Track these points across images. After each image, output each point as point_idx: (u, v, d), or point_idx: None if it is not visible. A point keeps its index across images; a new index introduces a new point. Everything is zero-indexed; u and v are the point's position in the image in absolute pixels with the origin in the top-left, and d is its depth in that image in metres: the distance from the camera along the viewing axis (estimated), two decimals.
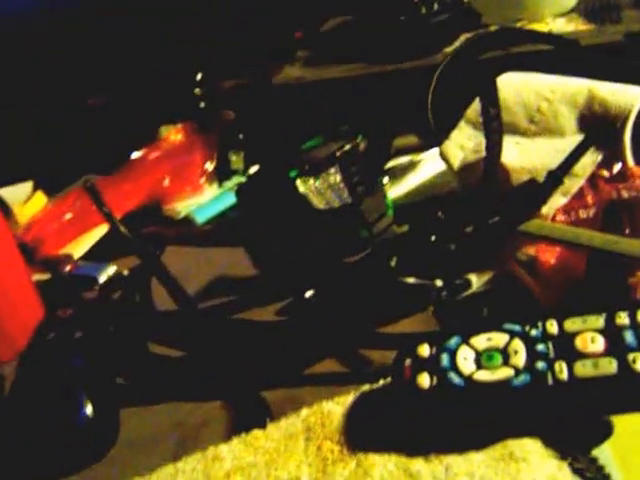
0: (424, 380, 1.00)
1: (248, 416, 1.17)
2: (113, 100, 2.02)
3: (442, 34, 1.65)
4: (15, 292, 1.47)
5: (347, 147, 1.33)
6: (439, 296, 1.23)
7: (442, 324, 1.21)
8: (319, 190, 1.42)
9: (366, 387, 1.13)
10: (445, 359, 1.01)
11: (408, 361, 1.03)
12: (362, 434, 1.06)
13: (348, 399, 1.11)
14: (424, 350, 1.03)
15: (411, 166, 1.52)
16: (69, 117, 2.04)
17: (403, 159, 1.56)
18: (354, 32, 1.84)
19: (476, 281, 1.24)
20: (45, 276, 1.60)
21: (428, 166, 1.51)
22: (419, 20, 1.64)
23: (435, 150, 1.40)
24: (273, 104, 1.75)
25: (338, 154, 1.27)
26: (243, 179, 1.69)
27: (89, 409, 1.19)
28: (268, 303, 1.36)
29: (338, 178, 1.44)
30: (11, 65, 2.04)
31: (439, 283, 1.24)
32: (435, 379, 1.00)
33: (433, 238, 1.26)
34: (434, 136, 1.40)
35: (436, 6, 1.62)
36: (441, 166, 1.44)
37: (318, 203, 1.39)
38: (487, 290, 1.22)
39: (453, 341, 1.03)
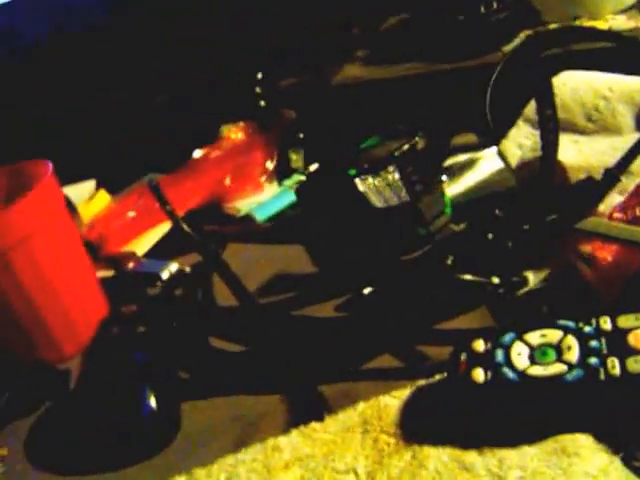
0: (479, 375, 1.01)
1: (306, 409, 1.18)
2: (175, 99, 2.05)
3: (501, 32, 1.64)
4: (81, 289, 1.51)
5: (405, 146, 1.33)
6: (496, 293, 1.22)
7: (498, 320, 1.20)
8: (378, 189, 1.43)
9: (422, 382, 1.13)
10: (499, 354, 1.02)
11: (463, 356, 1.05)
12: (418, 427, 1.08)
13: (404, 393, 1.13)
14: (479, 345, 1.04)
15: (469, 164, 1.51)
16: (131, 116, 2.07)
17: (461, 157, 1.56)
18: (412, 31, 1.85)
19: (533, 279, 1.25)
20: (109, 273, 1.63)
21: (486, 164, 1.51)
22: (478, 19, 1.63)
23: (493, 149, 1.40)
24: (332, 103, 1.76)
25: (397, 153, 1.28)
26: (302, 178, 1.70)
27: (153, 402, 1.21)
28: (327, 299, 1.37)
29: (396, 176, 1.44)
30: (73, 65, 2.08)
31: (496, 280, 1.24)
32: (489, 374, 1.01)
33: (490, 236, 1.26)
34: (492, 135, 1.40)
35: (495, 4, 1.62)
36: (499, 165, 1.44)
37: (376, 201, 1.39)
38: (543, 287, 1.21)
39: (507, 337, 1.04)
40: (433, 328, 1.25)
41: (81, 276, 1.52)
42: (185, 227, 1.42)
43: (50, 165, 1.43)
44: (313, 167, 1.72)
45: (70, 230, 1.51)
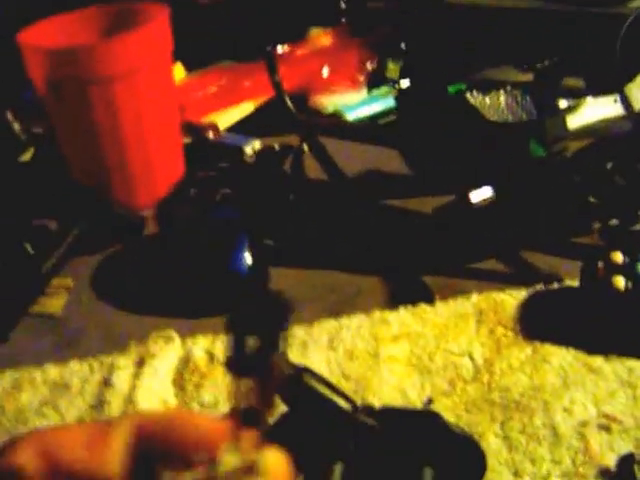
0: (620, 282, 0.98)
1: (411, 292, 1.13)
2: None
3: None
4: (167, 143, 1.50)
5: (545, 64, 1.31)
6: (608, 223, 1.21)
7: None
8: (491, 105, 1.40)
9: (540, 286, 1.10)
10: None
11: (601, 264, 1.01)
12: (537, 325, 1.06)
13: (521, 294, 1.10)
14: (618, 257, 1.03)
15: (576, 107, 1.50)
16: (219, 5, 2.02)
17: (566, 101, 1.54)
18: None
19: None
20: (187, 140, 1.58)
21: (595, 110, 1.49)
22: None
23: (603, 98, 1.42)
24: (442, 21, 1.73)
25: (539, 66, 1.26)
26: (394, 89, 1.67)
27: (249, 257, 1.17)
28: (424, 199, 1.33)
29: (508, 99, 1.42)
30: None
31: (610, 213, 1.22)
32: (631, 284, 0.98)
33: (609, 166, 1.24)
34: (618, 79, 1.39)
35: None
36: (611, 111, 1.43)
37: (491, 116, 1.37)
38: None
39: None
40: (544, 240, 1.20)
41: (170, 130, 1.51)
42: (288, 102, 1.37)
43: (167, 9, 1.38)
44: (404, 83, 1.68)
45: (171, 81, 1.50)
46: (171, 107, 1.45)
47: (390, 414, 0.81)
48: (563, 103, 1.49)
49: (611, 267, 1.01)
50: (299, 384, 0.77)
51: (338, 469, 0.76)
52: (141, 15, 1.40)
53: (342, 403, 0.77)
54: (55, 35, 1.39)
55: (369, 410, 0.80)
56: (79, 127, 1.38)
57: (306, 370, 0.78)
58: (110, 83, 1.31)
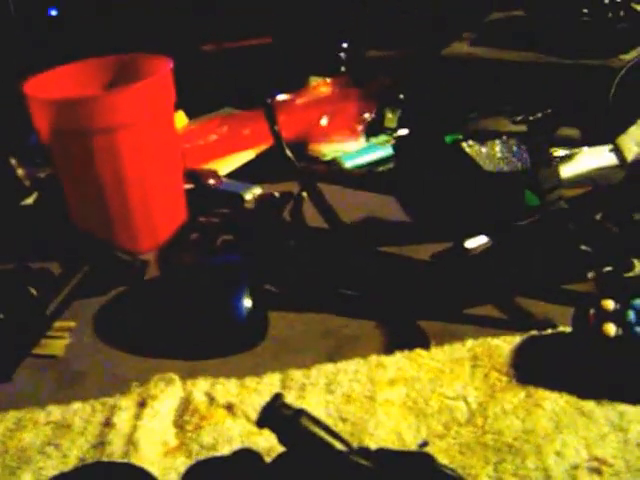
0: (610, 329, 1.01)
1: (407, 337, 1.16)
2: (265, 43, 2.05)
3: (622, 40, 1.66)
4: (169, 189, 1.53)
5: (538, 116, 1.35)
6: (603, 270, 1.23)
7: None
8: (487, 155, 1.44)
9: (534, 332, 1.12)
10: (631, 315, 1.04)
11: (592, 311, 1.04)
12: (531, 370, 1.08)
13: (515, 339, 1.12)
14: (609, 304, 1.05)
15: (575, 155, 1.54)
16: (221, 54, 2.06)
17: (562, 150, 1.58)
18: (527, 23, 1.86)
19: (639, 265, 1.26)
20: (188, 186, 1.61)
21: (590, 159, 1.53)
22: (603, 23, 1.65)
23: (598, 147, 1.48)
24: (440, 73, 1.77)
25: (532, 118, 1.30)
26: (392, 137, 1.71)
27: (249, 302, 1.19)
28: (421, 246, 1.36)
29: (503, 149, 1.46)
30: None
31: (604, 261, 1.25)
32: (621, 330, 1.01)
33: (599, 217, 1.27)
34: (610, 131, 1.43)
35: (622, 13, 1.63)
36: (605, 161, 1.47)
37: (487, 166, 1.40)
38: None
39: (639, 301, 1.04)
40: (539, 287, 1.23)
41: (172, 178, 1.54)
42: (287, 151, 1.40)
43: (171, 62, 1.42)
44: (402, 131, 1.71)
45: (173, 131, 1.54)
46: (173, 155, 1.48)
47: (385, 456, 0.83)
48: (559, 152, 1.52)
49: (602, 314, 1.04)
50: (297, 426, 0.79)
51: None
52: (145, 66, 1.44)
53: (338, 445, 0.79)
54: (59, 85, 1.43)
55: (364, 452, 0.82)
56: (82, 176, 1.42)
57: (303, 412, 0.80)
58: (113, 133, 1.35)
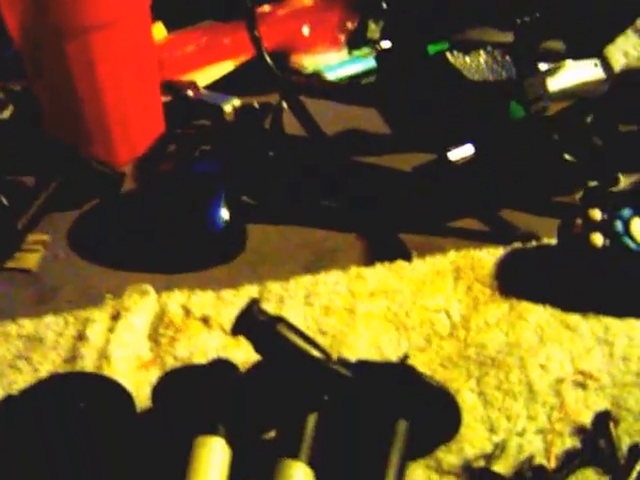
0: (598, 239, 0.98)
1: (388, 249, 1.13)
2: None
3: None
4: (145, 99, 1.49)
5: (523, 20, 1.31)
6: (586, 184, 1.20)
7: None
8: (471, 65, 1.40)
9: (518, 245, 1.09)
10: (619, 225, 1.01)
11: (578, 221, 1.01)
12: (515, 283, 1.05)
13: (499, 252, 1.09)
14: (596, 214, 1.03)
15: (557, 70, 1.50)
16: None
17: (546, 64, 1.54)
18: None
19: (623, 180, 1.23)
20: (166, 98, 1.56)
21: (575, 73, 1.49)
22: None
23: (583, 61, 1.46)
24: None
25: (519, 21, 1.25)
26: (375, 49, 1.66)
27: (226, 213, 1.16)
28: (404, 157, 1.32)
29: (488, 59, 1.42)
30: None
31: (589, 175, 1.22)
32: (608, 241, 0.97)
33: (589, 119, 1.24)
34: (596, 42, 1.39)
35: None
36: (590, 75, 1.43)
37: (472, 76, 1.36)
38: (633, 190, 1.20)
39: (626, 212, 1.02)
40: (522, 198, 1.20)
41: (148, 87, 1.49)
42: (267, 58, 1.35)
43: None
44: (385, 43, 1.66)
45: (150, 37, 1.50)
46: (150, 63, 1.43)
47: (365, 367, 0.81)
48: (543, 66, 1.48)
49: (589, 224, 1.01)
50: (273, 333, 0.76)
51: (312, 420, 0.75)
52: None
53: (316, 354, 0.76)
54: None
55: (343, 363, 0.79)
56: (57, 81, 1.36)
57: (280, 319, 0.77)
58: (87, 34, 1.30)
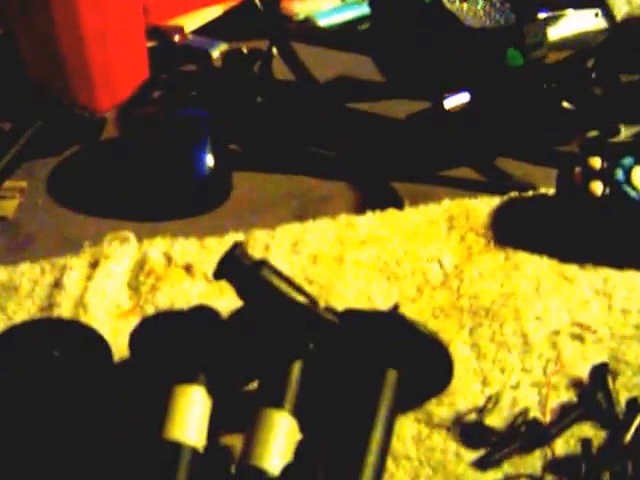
0: (597, 187, 0.94)
1: (380, 197, 1.09)
2: None
3: None
4: (129, 43, 1.43)
5: None
6: (585, 134, 1.16)
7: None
8: (469, 11, 1.35)
9: (514, 194, 1.05)
10: (620, 173, 0.97)
11: (578, 169, 0.97)
12: (511, 232, 1.02)
13: (494, 201, 1.05)
14: (596, 162, 0.98)
15: (556, 19, 1.45)
16: None
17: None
18: None
19: (624, 131, 1.18)
20: (152, 43, 1.51)
21: (575, 22, 1.44)
22: None
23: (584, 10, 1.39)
24: None
25: None
26: None
27: (211, 159, 1.11)
28: (398, 105, 1.28)
29: (485, 5, 1.38)
30: None
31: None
32: (608, 189, 0.93)
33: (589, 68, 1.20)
34: None
35: None
36: (591, 24, 1.39)
37: (468, 22, 1.32)
38: (636, 141, 1.16)
39: (628, 160, 0.98)
40: (519, 148, 1.18)
41: (132, 31, 1.44)
42: (258, 3, 1.30)
43: None
44: None
45: None
46: (134, 7, 1.38)
47: (353, 315, 0.76)
48: (542, 15, 1.44)
49: (589, 173, 0.97)
50: (257, 278, 0.71)
51: (297, 368, 0.71)
52: None
53: (302, 299, 0.72)
54: None
55: (331, 311, 0.75)
56: (37, 23, 1.33)
57: (265, 263, 0.72)
58: None
